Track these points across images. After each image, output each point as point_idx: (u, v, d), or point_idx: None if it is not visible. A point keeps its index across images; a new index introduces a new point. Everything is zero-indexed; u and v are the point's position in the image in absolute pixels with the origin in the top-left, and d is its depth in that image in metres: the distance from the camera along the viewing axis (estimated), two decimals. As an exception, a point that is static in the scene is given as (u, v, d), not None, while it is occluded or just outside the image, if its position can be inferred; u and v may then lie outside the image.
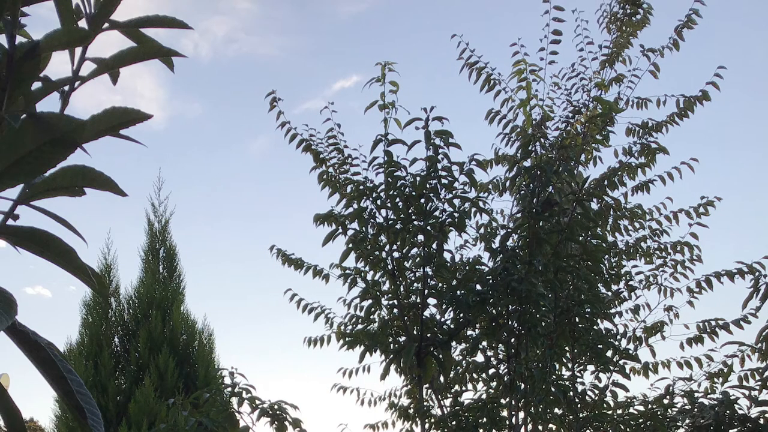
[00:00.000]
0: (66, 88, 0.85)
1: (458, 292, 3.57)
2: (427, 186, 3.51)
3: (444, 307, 3.75)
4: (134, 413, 6.54)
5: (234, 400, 3.50)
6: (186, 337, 7.43)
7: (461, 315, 3.61)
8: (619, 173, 4.24)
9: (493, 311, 3.66)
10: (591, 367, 3.87)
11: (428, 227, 3.51)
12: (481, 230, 4.33)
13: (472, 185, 3.56)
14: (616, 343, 3.79)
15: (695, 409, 3.45)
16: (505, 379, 3.68)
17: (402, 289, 3.74)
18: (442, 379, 3.89)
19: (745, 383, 3.73)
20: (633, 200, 4.53)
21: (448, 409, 3.89)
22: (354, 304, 4.03)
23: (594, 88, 4.39)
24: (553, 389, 3.42)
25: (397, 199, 3.58)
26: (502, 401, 3.69)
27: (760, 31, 8.74)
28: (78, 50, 0.84)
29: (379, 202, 3.63)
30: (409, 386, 4.20)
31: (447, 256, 3.61)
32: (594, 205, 3.90)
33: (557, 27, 4.22)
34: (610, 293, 4.09)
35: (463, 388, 4.11)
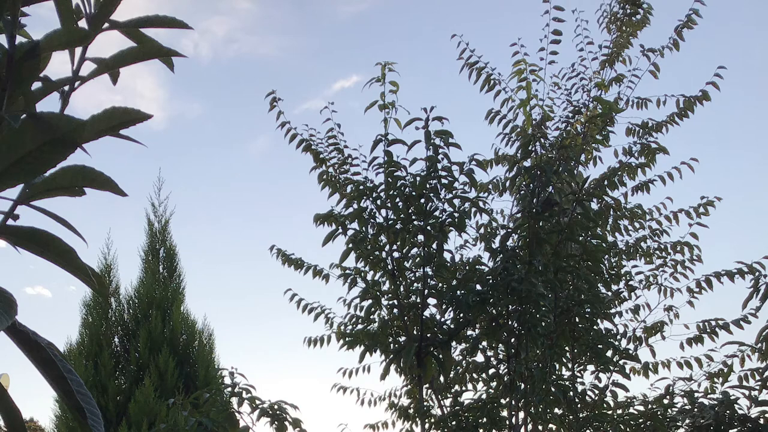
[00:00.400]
0: (66, 88, 0.85)
1: (458, 292, 3.57)
2: (427, 186, 3.51)
3: (444, 307, 3.75)
4: (134, 413, 6.54)
5: (234, 400, 3.50)
6: (186, 337, 7.42)
7: (461, 315, 3.61)
8: (619, 173, 4.24)
9: (493, 311, 3.66)
10: (591, 367, 3.87)
11: (428, 227, 3.51)
12: (481, 230, 4.33)
13: (472, 185, 3.56)
14: (616, 343, 3.79)
15: (695, 409, 3.44)
16: (505, 379, 3.68)
17: (402, 289, 3.74)
18: (442, 379, 3.89)
19: (745, 383, 3.72)
20: (633, 200, 4.54)
21: (448, 409, 3.89)
22: (354, 304, 4.03)
23: (594, 88, 4.39)
24: (553, 389, 3.42)
25: (397, 199, 3.58)
26: (502, 401, 3.69)
27: (760, 31, 8.75)
28: (78, 50, 0.84)
29: (379, 202, 3.63)
30: (409, 386, 4.20)
31: (447, 256, 3.61)
32: (594, 205, 3.89)
33: (557, 27, 4.23)
34: (610, 293, 4.09)
35: (463, 388, 4.11)
